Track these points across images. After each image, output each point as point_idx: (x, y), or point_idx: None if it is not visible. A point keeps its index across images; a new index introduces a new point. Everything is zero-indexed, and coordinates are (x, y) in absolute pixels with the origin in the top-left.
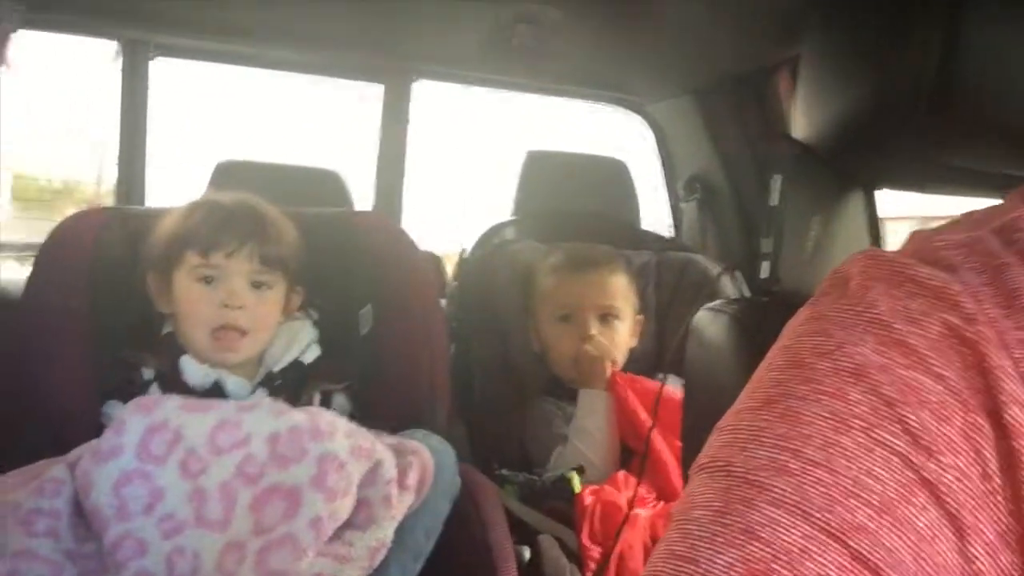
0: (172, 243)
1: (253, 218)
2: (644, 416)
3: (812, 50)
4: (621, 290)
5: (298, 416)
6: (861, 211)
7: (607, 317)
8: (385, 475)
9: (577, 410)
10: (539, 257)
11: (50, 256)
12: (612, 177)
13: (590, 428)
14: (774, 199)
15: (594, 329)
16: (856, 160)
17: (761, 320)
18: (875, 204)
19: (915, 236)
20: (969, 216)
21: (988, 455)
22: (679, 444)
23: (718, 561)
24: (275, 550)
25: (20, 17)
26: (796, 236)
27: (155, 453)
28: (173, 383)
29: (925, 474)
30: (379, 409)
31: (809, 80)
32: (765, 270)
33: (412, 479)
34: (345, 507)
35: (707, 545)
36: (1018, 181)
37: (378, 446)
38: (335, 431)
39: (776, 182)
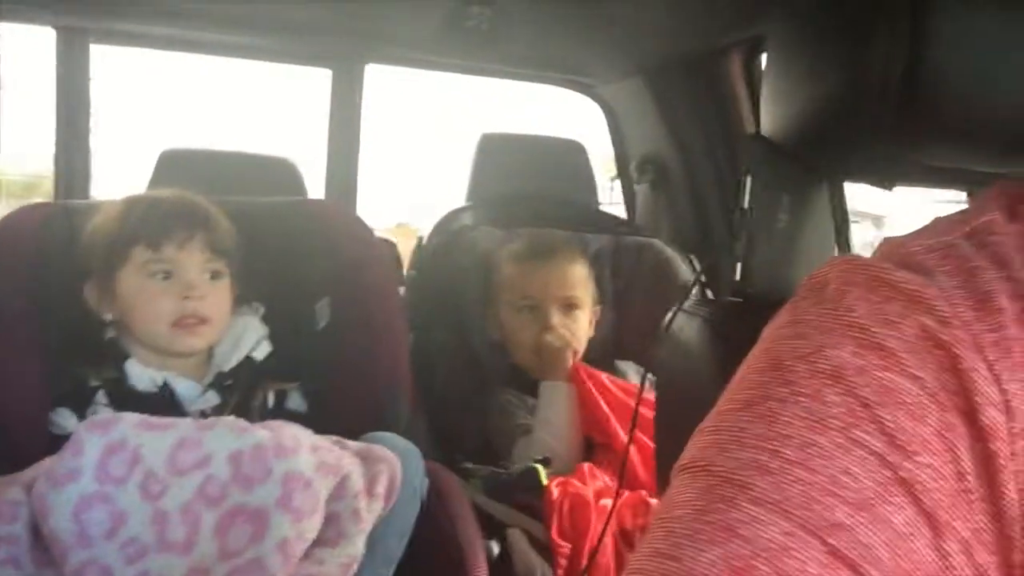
0: (115, 242)
1: (196, 209)
2: (606, 408)
3: (777, 40)
4: (581, 279)
5: (261, 433)
6: (828, 206)
7: (569, 307)
8: (353, 488)
9: (539, 402)
10: (498, 244)
11: None
12: (569, 158)
13: (553, 420)
14: (744, 201)
15: (555, 319)
16: (823, 155)
17: (734, 321)
18: (844, 198)
19: (889, 242)
20: (942, 220)
21: (962, 455)
22: (639, 434)
23: (701, 559)
24: (243, 575)
25: None
26: (765, 234)
27: (114, 475)
28: (120, 389)
29: (901, 473)
30: (338, 406)
31: (775, 73)
32: (738, 272)
33: (381, 487)
34: (313, 526)
35: (690, 543)
36: (987, 177)
37: (344, 459)
38: (299, 447)
39: (746, 183)
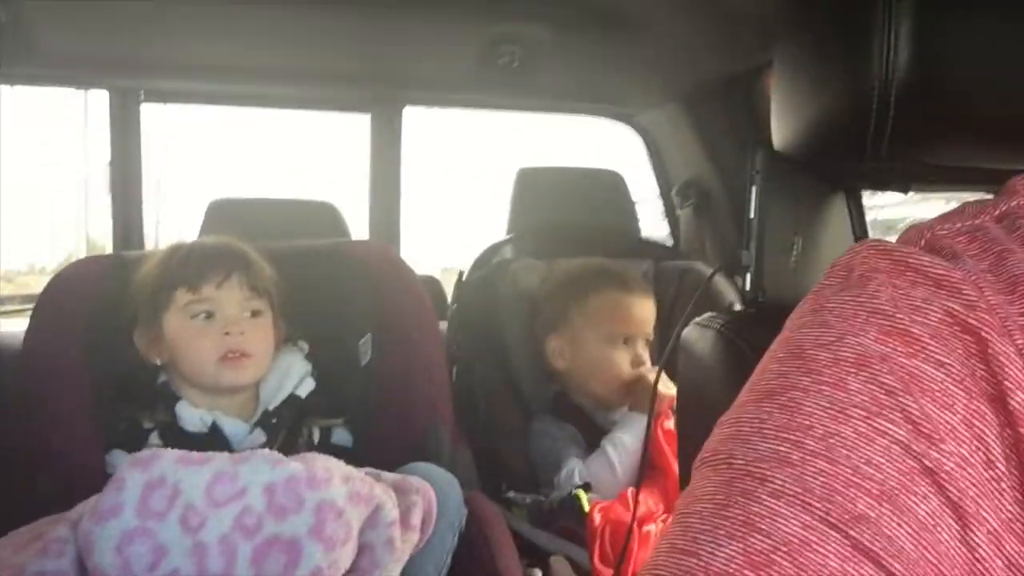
0: (158, 287)
1: (233, 251)
2: (659, 434)
3: (783, 56)
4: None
5: (294, 465)
6: (845, 214)
7: (647, 341)
8: (386, 518)
9: (618, 426)
10: (539, 275)
11: (49, 306)
12: (607, 189)
13: (627, 442)
14: (751, 211)
15: (643, 352)
16: (834, 164)
17: (747, 332)
18: (862, 209)
19: (915, 227)
20: (970, 204)
21: (992, 442)
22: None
23: (719, 554)
24: None
25: None
26: (779, 245)
27: (155, 509)
28: (171, 431)
29: (926, 462)
30: (381, 439)
31: (782, 87)
32: (748, 282)
33: (416, 518)
34: (346, 555)
35: (708, 538)
36: (1002, 175)
37: (377, 489)
38: (332, 477)
39: (752, 193)
